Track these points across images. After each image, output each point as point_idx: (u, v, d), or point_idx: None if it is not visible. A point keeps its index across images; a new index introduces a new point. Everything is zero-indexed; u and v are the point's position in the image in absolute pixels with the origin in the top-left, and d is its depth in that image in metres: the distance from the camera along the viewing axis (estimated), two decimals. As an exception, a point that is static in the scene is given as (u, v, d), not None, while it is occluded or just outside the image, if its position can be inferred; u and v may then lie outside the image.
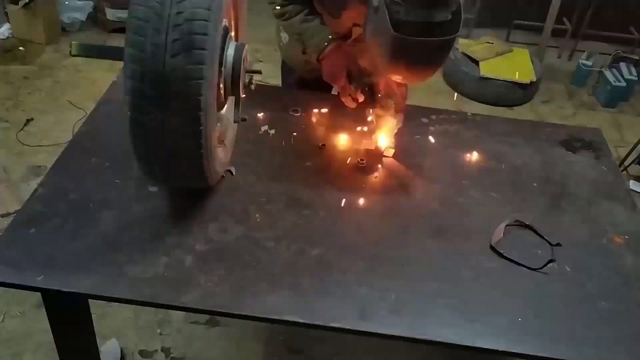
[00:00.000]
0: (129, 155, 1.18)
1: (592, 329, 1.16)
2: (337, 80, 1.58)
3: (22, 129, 3.05)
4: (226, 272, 1.18)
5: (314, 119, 1.64)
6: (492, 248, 1.30)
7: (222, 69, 1.20)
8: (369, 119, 1.59)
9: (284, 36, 1.77)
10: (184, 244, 1.23)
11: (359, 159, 1.51)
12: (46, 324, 1.35)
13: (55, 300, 1.27)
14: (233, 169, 1.38)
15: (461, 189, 1.47)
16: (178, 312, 2.04)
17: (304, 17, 1.55)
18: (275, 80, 2.18)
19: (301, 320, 1.12)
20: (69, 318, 1.33)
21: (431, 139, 1.63)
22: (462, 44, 3.95)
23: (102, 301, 1.22)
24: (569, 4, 4.04)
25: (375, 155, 1.54)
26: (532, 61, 3.87)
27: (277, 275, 1.19)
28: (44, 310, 1.31)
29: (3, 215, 2.51)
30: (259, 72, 1.38)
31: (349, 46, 1.57)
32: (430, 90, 3.85)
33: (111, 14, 3.89)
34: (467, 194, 1.46)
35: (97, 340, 1.49)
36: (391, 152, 1.54)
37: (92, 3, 4.05)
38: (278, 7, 1.56)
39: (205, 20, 1.00)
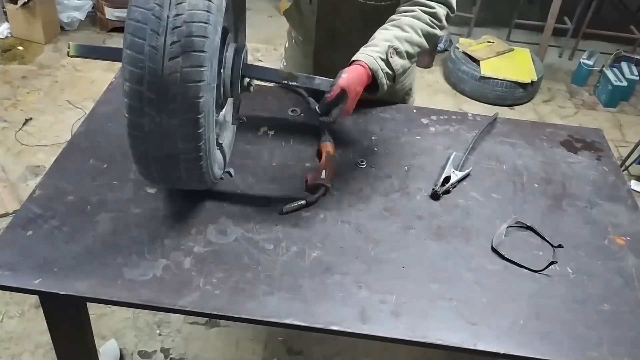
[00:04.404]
0: (127, 157, 1.17)
1: (594, 331, 1.15)
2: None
3: (20, 129, 3.05)
4: (225, 275, 1.18)
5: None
6: (493, 250, 1.30)
7: (222, 70, 1.19)
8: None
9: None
10: (183, 246, 1.23)
11: (358, 160, 1.50)
12: (45, 325, 1.34)
13: (53, 303, 1.26)
14: (232, 171, 1.37)
15: (462, 189, 1.46)
16: (177, 313, 2.04)
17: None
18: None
19: (301, 324, 1.11)
20: (67, 320, 1.33)
21: (432, 139, 1.62)
22: (463, 43, 3.95)
23: (100, 303, 1.21)
24: (570, 3, 4.04)
25: (374, 156, 1.53)
26: (532, 60, 3.87)
27: (276, 278, 1.18)
28: (42, 310, 1.30)
29: (2, 216, 2.50)
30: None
31: None
32: (431, 90, 3.85)
33: (110, 13, 3.89)
34: (468, 194, 1.45)
35: (96, 340, 1.49)
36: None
37: (91, 2, 4.05)
38: None
39: (205, 22, 0.99)
